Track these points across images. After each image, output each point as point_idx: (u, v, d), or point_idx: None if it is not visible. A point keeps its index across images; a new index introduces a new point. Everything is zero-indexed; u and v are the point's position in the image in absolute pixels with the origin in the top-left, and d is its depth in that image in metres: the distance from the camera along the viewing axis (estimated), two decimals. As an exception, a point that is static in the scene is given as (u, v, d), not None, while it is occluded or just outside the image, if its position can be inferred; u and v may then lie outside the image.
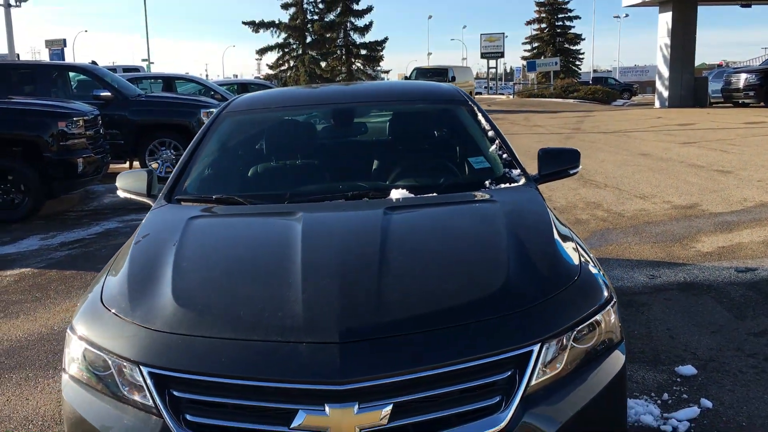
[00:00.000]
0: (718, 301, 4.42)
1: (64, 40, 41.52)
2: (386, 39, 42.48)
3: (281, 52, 41.60)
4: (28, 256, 6.30)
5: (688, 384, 3.30)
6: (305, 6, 40.88)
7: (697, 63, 30.09)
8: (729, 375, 3.38)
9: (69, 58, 41.71)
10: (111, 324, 2.04)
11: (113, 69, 16.84)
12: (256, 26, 40.47)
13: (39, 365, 3.86)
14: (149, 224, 2.75)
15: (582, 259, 2.31)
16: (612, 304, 2.14)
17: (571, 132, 17.15)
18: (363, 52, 42.72)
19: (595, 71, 66.80)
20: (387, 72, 45.51)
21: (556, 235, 2.41)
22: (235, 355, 1.84)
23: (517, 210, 2.68)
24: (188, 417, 1.81)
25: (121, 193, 3.30)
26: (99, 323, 2.07)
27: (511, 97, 41.27)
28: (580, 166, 3.33)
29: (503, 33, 46.50)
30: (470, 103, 3.66)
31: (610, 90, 38.66)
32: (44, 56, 44.60)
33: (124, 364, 1.91)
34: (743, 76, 23.90)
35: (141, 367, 1.87)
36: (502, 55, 47.26)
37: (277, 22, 40.73)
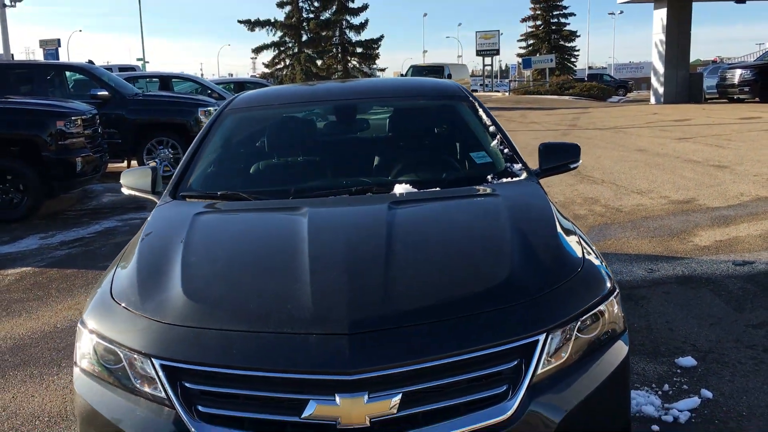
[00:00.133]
0: (717, 294, 4.47)
1: (59, 40, 41.39)
2: (382, 37, 42.54)
3: (277, 51, 41.63)
4: (28, 255, 6.31)
5: (688, 375, 3.34)
6: (301, 4, 40.89)
7: (691, 59, 30.17)
8: (728, 366, 3.42)
9: (63, 58, 41.57)
10: (122, 318, 2.06)
11: (109, 68, 16.80)
12: (252, 25, 40.48)
13: (43, 362, 3.88)
14: (156, 220, 2.77)
15: (585, 251, 2.34)
16: (615, 294, 2.17)
17: (567, 128, 17.20)
18: (359, 50, 42.76)
19: (590, 68, 66.81)
20: (383, 70, 45.46)
21: (558, 228, 2.44)
22: (246, 347, 1.86)
23: (520, 203, 2.71)
24: (200, 408, 1.84)
25: (125, 190, 3.32)
26: (110, 317, 2.09)
27: (507, 94, 41.30)
28: (581, 160, 3.36)
29: (498, 30, 46.56)
30: (471, 98, 3.70)
31: (606, 87, 38.71)
32: (38, 56, 44.47)
33: (136, 356, 1.94)
34: (738, 71, 24.00)
35: (153, 359, 1.89)
36: (497, 52, 47.26)
37: (272, 20, 40.76)
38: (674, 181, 8.65)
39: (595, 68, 68.63)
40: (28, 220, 7.68)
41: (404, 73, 39.08)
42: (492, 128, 3.41)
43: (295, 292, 2.02)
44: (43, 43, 39.33)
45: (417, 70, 33.01)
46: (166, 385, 1.86)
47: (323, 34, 41.52)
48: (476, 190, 2.90)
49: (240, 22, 40.39)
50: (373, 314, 1.91)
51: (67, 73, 11.25)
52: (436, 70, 32.44)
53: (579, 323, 2.01)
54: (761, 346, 3.65)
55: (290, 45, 41.65)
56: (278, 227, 2.66)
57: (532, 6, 56.85)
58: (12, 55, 29.26)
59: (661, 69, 27.14)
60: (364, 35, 42.51)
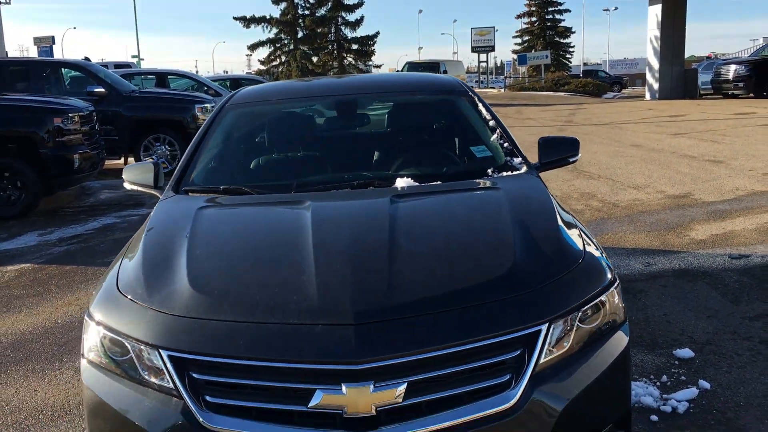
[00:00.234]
0: (713, 287, 4.51)
1: (53, 38, 41.28)
2: (377, 33, 42.58)
3: (273, 48, 41.61)
4: (26, 251, 6.32)
5: (685, 366, 3.38)
6: (296, 1, 40.84)
7: (686, 55, 30.26)
8: (725, 357, 3.46)
9: (57, 56, 41.43)
10: (128, 310, 2.08)
11: (105, 65, 16.77)
12: (247, 21, 40.44)
13: (45, 358, 3.89)
14: (159, 214, 2.79)
15: (585, 243, 2.37)
16: (615, 285, 2.20)
17: (563, 124, 17.24)
18: (354, 46, 42.77)
19: (585, 64, 66.95)
20: (378, 67, 45.52)
21: (559, 221, 2.47)
22: (252, 338, 1.89)
23: (521, 196, 2.74)
24: (208, 398, 1.86)
25: (127, 185, 3.33)
26: (116, 309, 2.11)
27: (502, 90, 41.35)
28: (580, 154, 3.39)
29: (494, 27, 46.52)
30: (471, 93, 3.72)
31: (601, 83, 38.79)
32: (33, 53, 44.28)
33: (143, 348, 1.96)
34: (732, 67, 24.05)
35: (160, 350, 1.91)
36: (492, 48, 47.29)
37: (268, 17, 40.71)
38: (670, 176, 8.70)
39: (590, 65, 68.77)
40: (25, 217, 7.67)
41: (400, 69, 39.07)
42: (492, 122, 3.44)
43: (301, 283, 2.04)
44: (38, 41, 39.20)
45: (412, 66, 33.00)
46: (174, 376, 1.88)
47: (319, 30, 41.51)
48: (477, 184, 2.93)
49: (235, 18, 40.35)
50: (378, 305, 1.93)
51: (64, 70, 11.22)
52: (432, 66, 32.42)
53: (580, 314, 2.04)
54: (758, 337, 3.69)
55: (286, 42, 41.64)
56: (282, 221, 2.68)
57: (527, 2, 56.97)
58: (6, 52, 29.15)
59: (656, 65, 27.21)
60: (360, 32, 42.59)
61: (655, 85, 27.28)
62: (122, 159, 11.29)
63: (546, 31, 56.99)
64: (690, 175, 8.69)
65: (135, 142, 10.65)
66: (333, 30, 42.25)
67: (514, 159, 3.18)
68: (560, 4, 56.84)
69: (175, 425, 1.86)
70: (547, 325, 1.95)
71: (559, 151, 3.35)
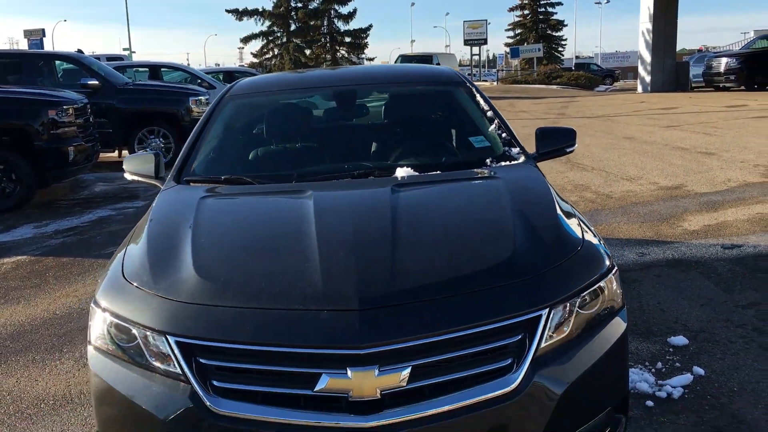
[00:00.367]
0: (706, 276, 4.57)
1: (43, 30, 41.04)
2: (370, 26, 42.56)
3: (265, 40, 41.50)
4: (23, 244, 6.31)
5: (680, 353, 3.43)
6: (289, -7, 40.68)
7: (678, 48, 30.35)
8: (719, 344, 3.52)
9: (48, 48, 41.15)
10: (135, 297, 2.10)
11: (97, 58, 16.68)
12: (240, 14, 40.30)
13: (45, 348, 3.91)
14: (162, 204, 2.81)
15: (583, 231, 2.41)
16: (614, 272, 2.24)
17: (556, 117, 17.30)
18: (347, 39, 42.69)
19: (577, 57, 67.05)
20: (371, 59, 45.42)
21: (558, 209, 2.51)
22: (259, 323, 1.91)
23: (520, 186, 2.77)
24: (215, 383, 1.89)
25: (128, 176, 3.34)
26: (122, 296, 2.13)
27: (495, 83, 41.38)
28: (576, 144, 3.43)
29: (486, 20, 46.58)
30: (468, 84, 3.76)
31: (593, 76, 38.90)
32: (23, 46, 43.97)
33: (150, 334, 1.98)
34: (724, 60, 24.15)
35: (167, 336, 1.94)
36: (485, 41, 47.31)
37: (261, 9, 40.56)
38: (663, 168, 8.76)
39: (582, 57, 68.91)
40: (20, 210, 7.66)
41: (393, 62, 39.01)
42: (489, 113, 3.47)
43: (305, 271, 2.07)
44: (28, 33, 38.96)
45: (406, 59, 33.06)
46: (182, 361, 1.91)
47: (312, 23, 41.41)
48: (477, 174, 2.96)
49: (228, 11, 40.23)
50: (382, 291, 1.96)
51: (57, 63, 11.18)
52: (426, 59, 32.43)
53: (580, 299, 2.08)
54: (750, 325, 3.75)
55: (278, 34, 41.51)
56: (284, 210, 2.70)
57: (520, -5, 56.87)
58: (-4, 45, 28.93)
59: (648, 58, 27.29)
60: (353, 25, 42.52)
61: (648, 78, 27.37)
62: (116, 152, 11.26)
63: (538, 24, 57.00)
64: (682, 167, 8.75)
65: (129, 135, 10.63)
66: (326, 23, 42.17)
67: (513, 149, 3.22)
68: (553, -4, 56.85)
69: (183, 410, 1.88)
70: (547, 310, 1.98)
71: (556, 141, 3.39)
